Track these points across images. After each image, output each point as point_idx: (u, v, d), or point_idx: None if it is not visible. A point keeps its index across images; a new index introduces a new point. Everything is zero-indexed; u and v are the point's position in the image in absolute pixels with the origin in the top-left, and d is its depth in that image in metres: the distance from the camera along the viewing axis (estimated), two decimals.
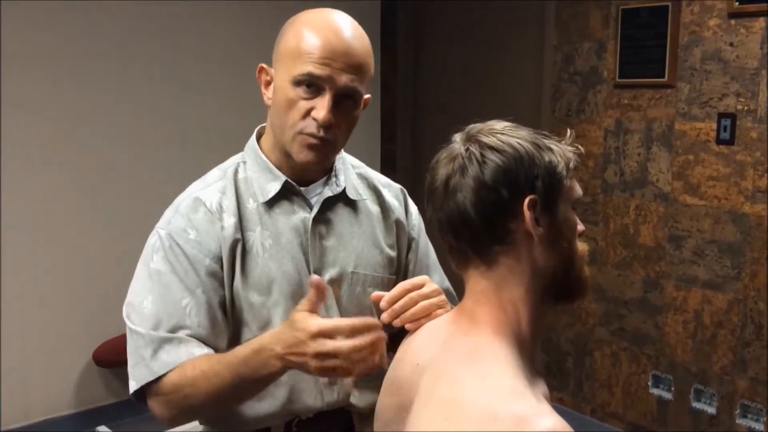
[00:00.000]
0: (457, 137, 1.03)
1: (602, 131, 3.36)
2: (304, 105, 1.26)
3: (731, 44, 2.90)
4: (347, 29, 1.29)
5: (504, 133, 1.00)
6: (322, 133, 1.27)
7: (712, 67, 2.96)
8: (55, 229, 3.34)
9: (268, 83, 1.35)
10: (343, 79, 1.25)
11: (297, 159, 1.31)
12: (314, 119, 1.26)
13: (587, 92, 3.40)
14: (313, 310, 1.13)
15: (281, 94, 1.29)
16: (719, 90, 2.95)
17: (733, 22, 2.88)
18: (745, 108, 2.88)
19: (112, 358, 3.42)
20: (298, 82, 1.26)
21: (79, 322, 3.43)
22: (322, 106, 1.25)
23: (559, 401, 3.60)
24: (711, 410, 3.06)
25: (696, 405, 3.11)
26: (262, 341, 1.18)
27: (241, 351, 1.21)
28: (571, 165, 1.01)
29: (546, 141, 1.01)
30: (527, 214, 0.96)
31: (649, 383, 3.27)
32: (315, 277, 1.16)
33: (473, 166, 0.97)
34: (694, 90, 3.03)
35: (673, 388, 3.19)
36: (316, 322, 1.11)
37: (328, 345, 1.09)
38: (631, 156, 3.26)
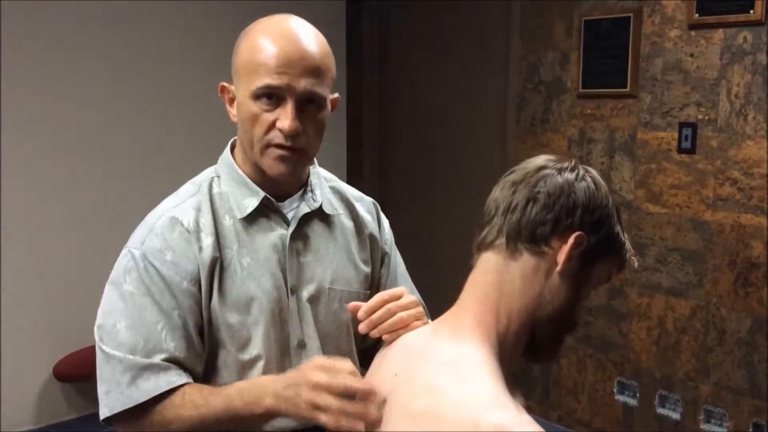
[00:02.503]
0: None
1: (566, 140, 3.39)
2: (268, 117, 1.24)
3: (691, 55, 2.95)
4: (300, 34, 1.26)
5: (605, 188, 1.07)
6: (290, 143, 1.25)
7: (673, 78, 3.01)
8: (12, 241, 3.26)
9: (231, 100, 1.32)
10: (302, 84, 1.23)
11: (270, 173, 1.28)
12: (280, 130, 1.24)
13: (551, 102, 3.44)
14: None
15: (244, 110, 1.26)
16: (680, 100, 3.00)
17: (693, 33, 2.94)
18: (706, 117, 2.93)
19: (72, 372, 3.35)
20: (257, 96, 1.24)
21: (39, 336, 3.36)
22: (285, 116, 1.23)
23: (526, 409, 3.61)
24: (675, 416, 3.10)
25: (661, 411, 3.15)
26: (263, 378, 1.20)
27: (238, 383, 1.21)
28: (627, 257, 1.08)
29: (622, 225, 1.09)
30: (570, 242, 1.00)
31: (615, 389, 3.31)
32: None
33: (571, 174, 1.04)
34: (655, 100, 3.07)
35: (638, 395, 3.22)
36: (323, 359, 1.14)
37: (325, 377, 1.09)
38: (594, 165, 3.30)
